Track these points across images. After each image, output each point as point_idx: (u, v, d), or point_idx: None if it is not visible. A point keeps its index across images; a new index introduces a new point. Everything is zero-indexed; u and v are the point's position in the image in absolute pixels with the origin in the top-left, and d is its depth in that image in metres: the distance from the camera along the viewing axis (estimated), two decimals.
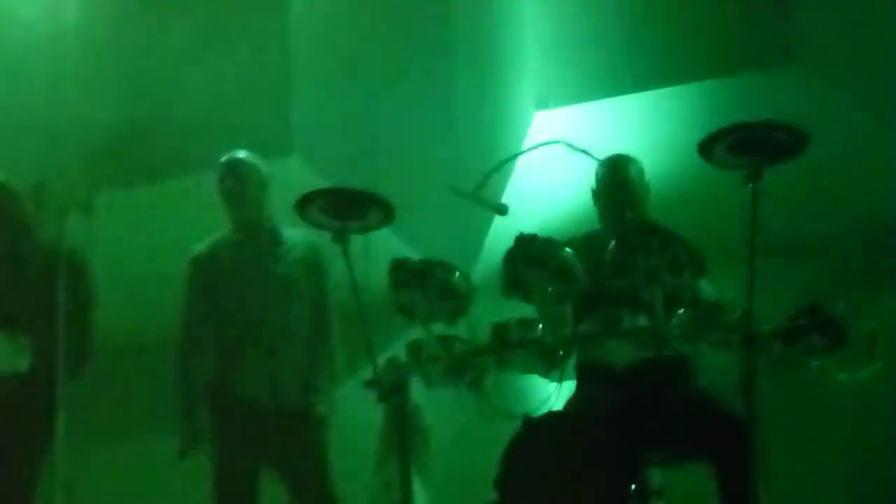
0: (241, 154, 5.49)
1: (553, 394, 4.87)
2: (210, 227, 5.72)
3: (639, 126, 6.54)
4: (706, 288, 4.96)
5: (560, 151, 5.54)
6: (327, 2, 6.83)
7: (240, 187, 5.41)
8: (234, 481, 5.40)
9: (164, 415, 5.81)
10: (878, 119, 6.54)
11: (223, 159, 5.49)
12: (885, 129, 6.58)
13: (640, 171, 5.30)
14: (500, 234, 5.62)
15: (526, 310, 4.74)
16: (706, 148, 4.48)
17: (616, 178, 5.25)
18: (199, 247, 5.63)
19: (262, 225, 5.43)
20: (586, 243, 5.07)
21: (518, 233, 4.70)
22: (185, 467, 5.56)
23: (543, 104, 7.31)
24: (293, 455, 5.40)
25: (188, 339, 5.50)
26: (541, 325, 4.68)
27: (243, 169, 5.43)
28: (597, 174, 5.29)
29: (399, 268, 4.74)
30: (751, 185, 4.44)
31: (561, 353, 4.74)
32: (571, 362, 4.92)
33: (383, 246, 5.22)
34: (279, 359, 5.43)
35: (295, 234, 5.37)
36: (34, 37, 6.85)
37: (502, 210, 5.25)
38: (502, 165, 5.87)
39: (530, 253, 4.66)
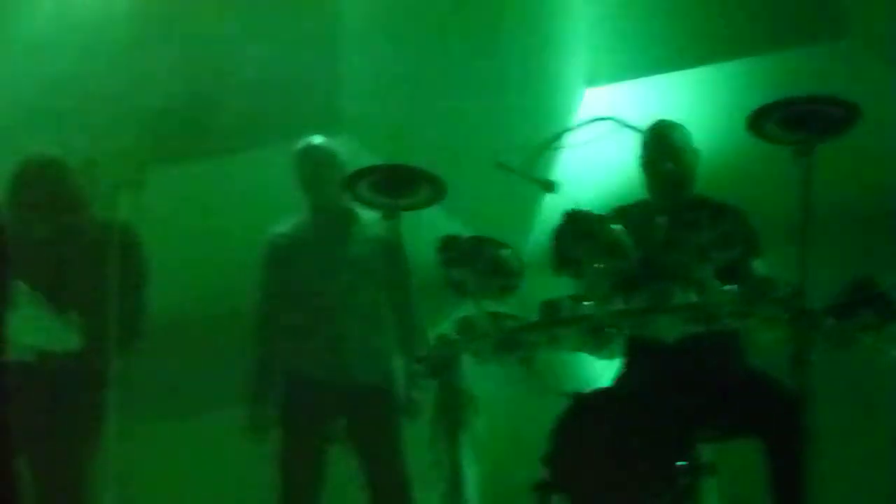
0: (317, 139, 5.67)
1: (603, 370, 5.01)
2: (260, 205, 5.92)
3: (690, 103, 6.54)
4: (758, 264, 4.95)
5: (611, 128, 5.59)
6: None
7: (316, 172, 5.58)
8: (299, 461, 5.52)
9: (213, 392, 6.00)
10: None
11: (300, 145, 5.68)
12: None
13: (688, 137, 5.28)
14: (552, 210, 5.63)
15: (576, 286, 4.72)
16: (756, 123, 4.50)
17: (661, 145, 5.23)
18: (277, 227, 5.84)
19: (337, 206, 5.58)
20: (634, 215, 5.07)
21: (567, 208, 4.69)
22: (236, 446, 5.70)
23: (593, 80, 7.32)
24: (365, 434, 5.53)
25: (264, 319, 5.65)
26: (591, 302, 4.64)
27: (320, 154, 5.62)
28: (643, 142, 5.29)
29: (449, 245, 4.73)
30: (803, 159, 4.43)
31: (611, 329, 4.71)
32: (621, 338, 4.87)
33: (434, 223, 5.31)
34: (351, 339, 5.56)
35: (372, 214, 5.46)
36: (91, 17, 6.90)
37: (551, 187, 5.28)
38: (552, 142, 5.93)
39: (579, 229, 4.63)
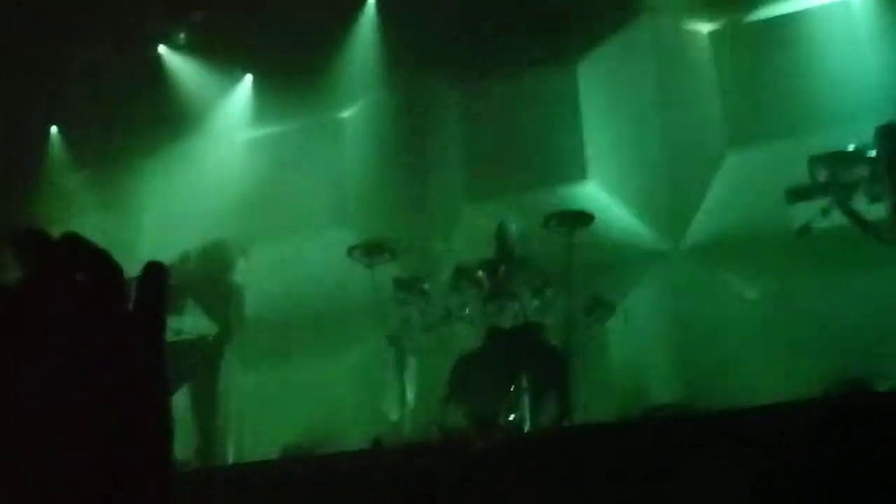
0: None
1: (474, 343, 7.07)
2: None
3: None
4: (548, 290, 7.09)
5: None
6: None
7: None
8: None
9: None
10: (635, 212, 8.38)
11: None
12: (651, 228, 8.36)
13: (521, 229, 7.40)
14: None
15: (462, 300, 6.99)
16: (546, 222, 7.13)
17: (500, 234, 7.41)
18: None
19: None
20: (489, 264, 7.18)
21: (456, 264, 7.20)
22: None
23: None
24: None
25: None
26: (467, 309, 7.06)
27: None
28: (495, 232, 7.51)
29: (398, 280, 7.39)
30: (567, 239, 7.10)
31: (479, 320, 7.02)
32: (484, 326, 6.99)
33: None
34: None
35: None
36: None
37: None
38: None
39: (462, 275, 7.14)
